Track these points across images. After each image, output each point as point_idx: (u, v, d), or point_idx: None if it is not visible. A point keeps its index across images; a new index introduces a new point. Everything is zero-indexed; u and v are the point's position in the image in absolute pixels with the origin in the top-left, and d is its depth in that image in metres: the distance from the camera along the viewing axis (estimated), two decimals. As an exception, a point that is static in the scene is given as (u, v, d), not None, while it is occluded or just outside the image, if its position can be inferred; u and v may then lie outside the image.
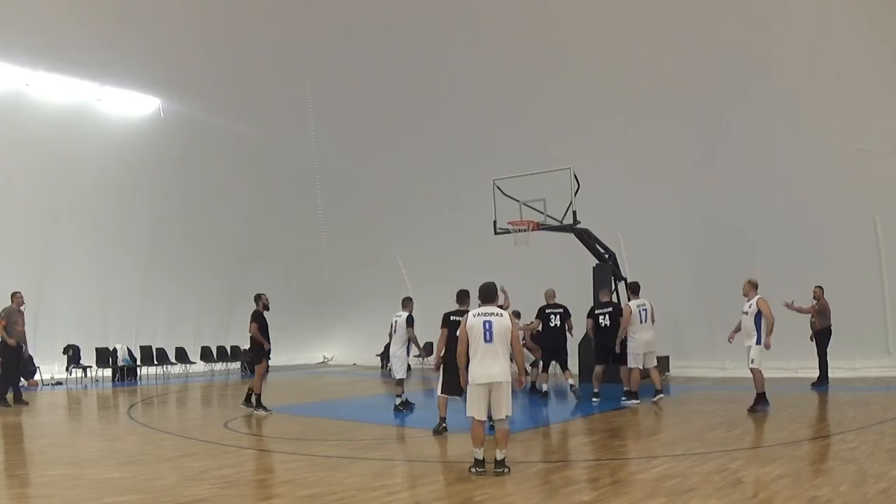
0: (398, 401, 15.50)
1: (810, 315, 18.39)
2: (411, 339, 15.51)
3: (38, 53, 21.91)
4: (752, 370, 14.46)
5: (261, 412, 15.75)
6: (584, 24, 22.25)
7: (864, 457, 9.42)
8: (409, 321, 15.42)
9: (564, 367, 18.09)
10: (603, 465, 9.87)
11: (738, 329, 15.09)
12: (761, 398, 14.21)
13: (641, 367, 16.12)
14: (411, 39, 24.74)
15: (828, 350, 18.27)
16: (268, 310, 16.63)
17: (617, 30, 21.76)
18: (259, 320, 16.33)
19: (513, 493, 8.19)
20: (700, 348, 22.36)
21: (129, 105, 25.17)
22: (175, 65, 24.49)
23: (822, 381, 18.07)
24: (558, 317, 18.07)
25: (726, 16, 20.18)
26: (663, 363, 22.29)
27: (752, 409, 14.10)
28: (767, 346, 14.34)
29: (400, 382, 15.62)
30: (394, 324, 15.69)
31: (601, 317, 17.33)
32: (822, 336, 18.27)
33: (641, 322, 16.14)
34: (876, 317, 19.75)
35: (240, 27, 24.86)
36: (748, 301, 14.77)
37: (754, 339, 14.46)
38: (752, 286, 14.93)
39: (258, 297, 16.57)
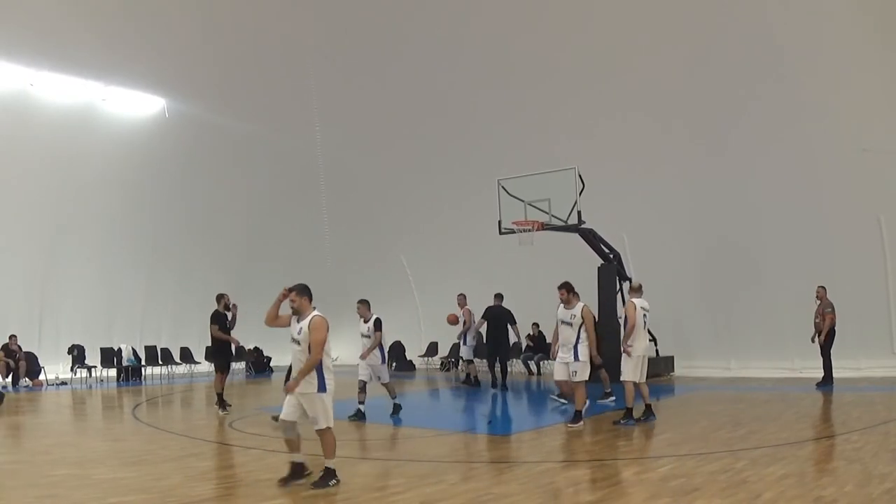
0: (397, 401, 15.25)
1: (815, 315, 18.34)
2: (375, 342, 14.69)
3: (43, 53, 21.92)
4: (637, 384, 13.54)
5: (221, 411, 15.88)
6: (589, 24, 22.23)
7: (869, 457, 9.41)
8: (378, 325, 14.62)
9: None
10: (608, 465, 9.87)
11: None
12: (648, 409, 13.45)
13: (638, 381, 13.69)
14: (416, 39, 24.72)
15: (832, 350, 18.22)
16: (229, 310, 16.46)
17: (623, 30, 21.73)
18: (219, 321, 16.25)
19: (518, 493, 8.19)
20: (705, 348, 22.38)
21: (134, 105, 25.19)
22: (180, 65, 24.50)
23: (826, 382, 18.04)
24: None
25: (731, 16, 20.16)
26: (668, 363, 22.32)
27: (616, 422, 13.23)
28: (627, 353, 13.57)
29: (364, 388, 14.85)
30: (369, 329, 14.63)
31: None
32: (826, 337, 18.22)
33: (643, 327, 14.44)
34: (881, 317, 19.73)
35: (245, 27, 24.85)
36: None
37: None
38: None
39: (219, 298, 16.56)
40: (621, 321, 14.47)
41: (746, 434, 11.63)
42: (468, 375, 20.66)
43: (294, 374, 8.74)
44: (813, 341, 18.34)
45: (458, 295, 21.28)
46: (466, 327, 20.83)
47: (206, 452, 10.99)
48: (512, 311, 19.75)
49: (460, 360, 22.94)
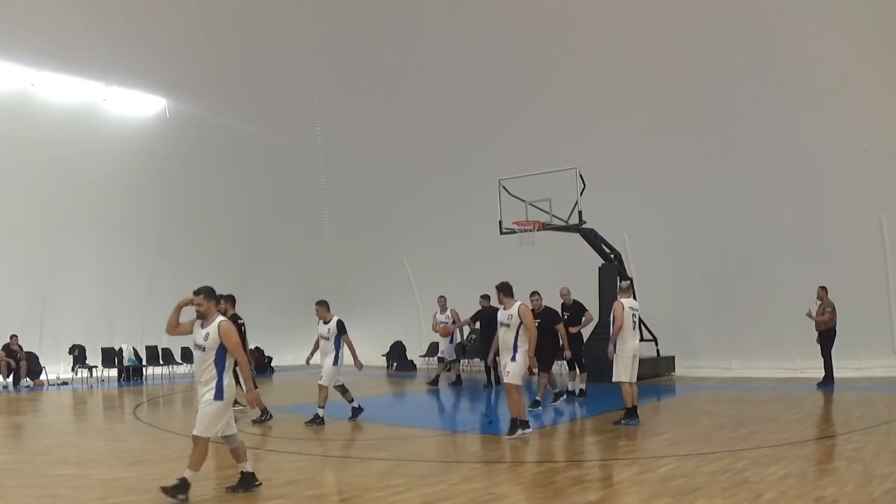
0: (356, 404, 14.58)
1: (816, 315, 18.32)
2: (348, 346, 14.24)
3: (44, 53, 21.93)
4: (619, 384, 13.43)
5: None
6: (591, 25, 22.25)
7: (870, 457, 9.41)
8: (342, 327, 14.19)
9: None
10: (609, 464, 9.87)
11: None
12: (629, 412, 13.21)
13: (631, 381, 13.49)
14: (417, 39, 24.74)
15: (832, 350, 18.20)
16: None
17: (624, 31, 21.75)
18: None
19: (519, 493, 8.19)
20: (706, 348, 22.38)
21: (135, 105, 25.20)
22: (181, 65, 24.50)
23: (827, 382, 18.03)
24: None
25: (732, 18, 20.16)
26: (669, 363, 22.31)
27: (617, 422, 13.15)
28: (609, 355, 13.43)
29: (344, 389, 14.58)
30: (329, 330, 14.20)
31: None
32: (826, 336, 18.21)
33: (633, 328, 13.99)
34: (882, 317, 19.72)
35: (246, 27, 24.86)
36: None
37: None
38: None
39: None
40: (509, 325, 13.51)
41: (747, 434, 11.63)
42: (442, 376, 21.02)
43: (200, 380, 8.46)
44: (818, 342, 18.31)
45: (439, 297, 21.44)
46: (455, 326, 21.18)
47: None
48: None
49: (438, 360, 22.87)
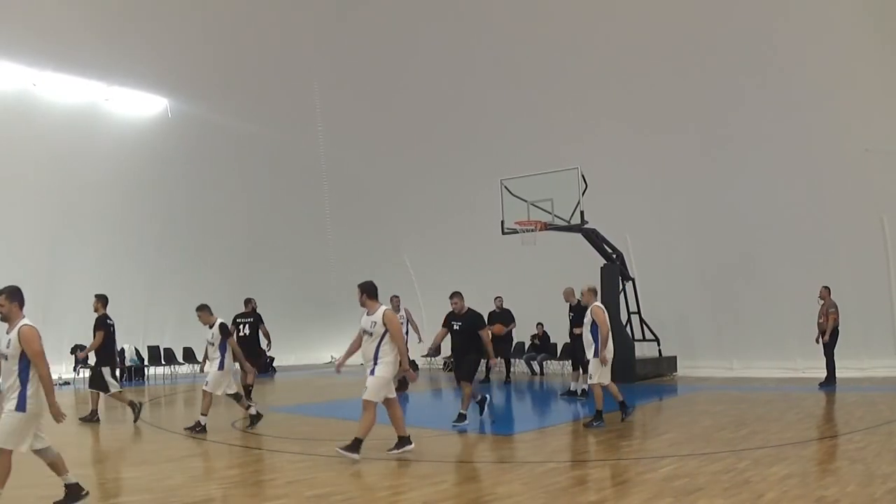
0: (254, 411, 13.82)
1: (818, 315, 18.31)
2: (233, 349, 13.86)
3: (46, 53, 21.94)
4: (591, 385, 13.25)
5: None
6: (592, 26, 22.25)
7: (872, 457, 9.40)
8: (225, 330, 13.83)
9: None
10: (610, 464, 9.87)
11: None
12: (599, 415, 12.95)
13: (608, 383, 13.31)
14: (419, 40, 24.77)
15: (835, 350, 18.19)
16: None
17: (625, 32, 21.75)
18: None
19: (520, 493, 8.19)
20: (708, 348, 22.37)
21: (137, 105, 25.22)
22: (182, 65, 24.52)
23: (829, 382, 18.03)
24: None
25: (733, 17, 20.16)
26: (671, 363, 22.32)
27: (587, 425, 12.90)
28: (604, 361, 13.16)
29: (238, 398, 13.96)
30: (213, 335, 13.83)
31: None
32: (829, 336, 18.19)
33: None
34: (884, 317, 19.71)
35: (247, 27, 24.88)
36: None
37: (592, 352, 13.17)
38: (592, 293, 13.77)
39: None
40: (585, 328, 13.46)
41: (749, 434, 11.62)
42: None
43: (4, 388, 7.64)
44: (818, 342, 18.30)
45: (393, 297, 19.58)
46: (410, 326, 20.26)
47: (209, 452, 11.00)
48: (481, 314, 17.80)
49: None
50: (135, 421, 14.36)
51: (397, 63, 25.56)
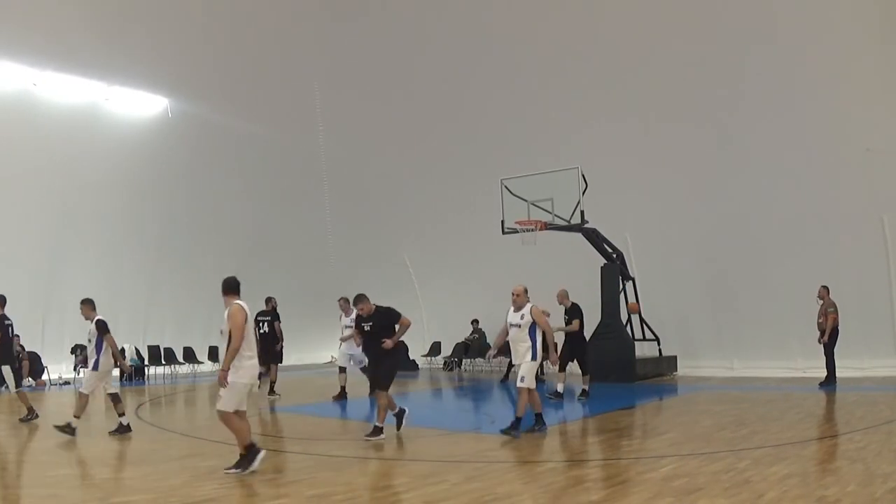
0: (125, 421, 13.06)
1: (817, 315, 18.30)
2: (112, 349, 13.42)
3: (46, 53, 21.95)
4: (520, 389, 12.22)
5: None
6: (592, 25, 22.25)
7: (872, 456, 9.40)
8: (102, 327, 13.43)
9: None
10: (611, 464, 9.87)
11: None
12: (539, 418, 12.38)
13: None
14: (419, 40, 24.76)
15: (835, 350, 18.17)
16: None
17: (625, 32, 21.74)
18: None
19: (521, 493, 8.19)
20: (708, 348, 22.38)
21: (137, 105, 25.23)
22: (183, 65, 24.52)
23: (829, 381, 18.02)
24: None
25: (735, 15, 20.16)
26: (671, 363, 22.33)
27: (529, 429, 12.19)
28: (554, 363, 13.03)
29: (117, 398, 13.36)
30: (91, 332, 13.45)
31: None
32: (829, 336, 18.18)
33: None
34: (884, 316, 19.71)
35: (248, 27, 24.88)
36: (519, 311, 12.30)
37: (529, 355, 12.16)
38: (524, 293, 12.40)
39: (269, 300, 19.11)
40: (516, 328, 12.23)
41: (749, 434, 11.62)
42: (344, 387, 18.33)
43: None
44: (820, 342, 18.27)
45: (340, 299, 18.60)
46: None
47: (209, 452, 10.99)
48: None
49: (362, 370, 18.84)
50: (21, 420, 14.24)
51: (397, 63, 25.55)
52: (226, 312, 9.77)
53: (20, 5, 20.86)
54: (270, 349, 18.87)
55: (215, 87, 25.40)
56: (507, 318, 12.43)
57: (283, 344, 19.64)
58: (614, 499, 7.88)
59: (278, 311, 19.48)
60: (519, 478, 9.03)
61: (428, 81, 25.43)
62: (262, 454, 9.35)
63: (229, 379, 9.23)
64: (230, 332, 9.45)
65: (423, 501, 7.86)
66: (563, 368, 16.89)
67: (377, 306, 12.52)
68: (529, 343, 12.09)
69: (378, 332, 12.21)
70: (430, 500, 7.91)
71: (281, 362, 19.61)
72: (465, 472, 9.22)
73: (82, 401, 12.86)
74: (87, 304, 13.60)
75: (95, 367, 13.10)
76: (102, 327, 13.27)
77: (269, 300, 19.58)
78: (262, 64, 25.75)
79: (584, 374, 17.54)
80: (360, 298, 12.49)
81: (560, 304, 17.40)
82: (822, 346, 18.19)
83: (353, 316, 16.92)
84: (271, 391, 18.78)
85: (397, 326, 12.53)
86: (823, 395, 16.77)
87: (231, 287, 10.48)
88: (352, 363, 17.95)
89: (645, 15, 21.31)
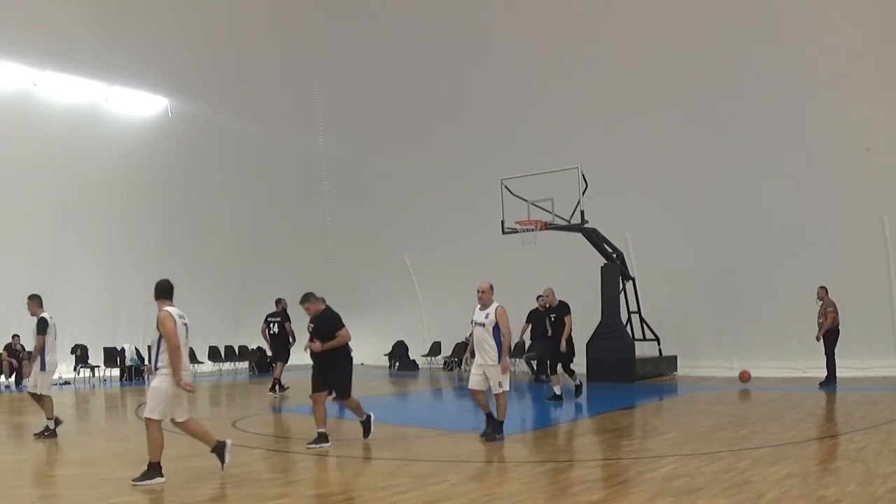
0: (52, 425, 12.56)
1: (818, 315, 18.29)
2: (37, 347, 12.88)
3: (46, 53, 21.96)
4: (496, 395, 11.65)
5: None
6: (592, 25, 22.25)
7: (872, 456, 9.39)
8: (39, 325, 12.96)
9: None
10: (611, 464, 9.86)
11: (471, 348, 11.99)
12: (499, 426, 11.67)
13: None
14: (420, 40, 24.75)
15: (835, 350, 18.16)
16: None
17: (625, 32, 21.75)
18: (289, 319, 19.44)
19: (521, 493, 8.18)
20: (708, 348, 22.39)
21: (137, 105, 25.25)
22: (183, 65, 24.53)
23: (829, 381, 18.02)
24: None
25: (735, 14, 20.16)
26: (671, 363, 22.33)
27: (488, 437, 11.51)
28: (504, 371, 11.92)
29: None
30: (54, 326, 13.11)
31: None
32: (829, 336, 18.18)
33: None
34: (884, 316, 19.72)
35: (248, 28, 24.88)
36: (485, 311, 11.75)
37: (494, 357, 11.53)
38: (490, 290, 11.97)
39: (279, 301, 19.55)
40: (481, 328, 11.64)
41: (749, 434, 11.62)
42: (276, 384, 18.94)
43: None
44: (818, 340, 18.27)
45: (278, 300, 19.33)
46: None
47: (209, 453, 10.99)
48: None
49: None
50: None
51: (398, 63, 25.55)
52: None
53: (20, 5, 20.87)
54: (282, 350, 19.45)
55: (215, 87, 25.40)
56: (472, 316, 11.92)
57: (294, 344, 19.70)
58: (614, 499, 7.87)
59: (288, 311, 19.69)
60: (519, 478, 9.03)
61: (428, 81, 25.43)
62: (227, 460, 9.24)
63: (154, 384, 8.97)
64: (160, 339, 9.21)
65: (424, 501, 7.86)
66: (553, 370, 16.75)
67: (327, 308, 11.91)
68: (494, 344, 11.51)
69: (316, 335, 11.50)
70: (430, 500, 7.91)
71: (286, 361, 19.75)
72: (465, 472, 9.22)
73: (47, 402, 12.48)
74: (34, 301, 13.17)
75: (43, 367, 12.71)
76: (39, 326, 12.78)
77: (279, 301, 19.88)
78: (261, 64, 25.76)
79: (558, 375, 16.76)
80: (307, 297, 11.87)
81: (547, 304, 17.12)
82: (822, 345, 18.18)
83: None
84: (272, 388, 19.10)
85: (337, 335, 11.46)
86: (823, 395, 16.77)
87: (164, 291, 9.91)
88: None
89: (645, 15, 21.31)
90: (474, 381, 11.68)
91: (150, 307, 26.02)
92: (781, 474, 8.56)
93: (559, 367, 16.70)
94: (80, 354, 23.71)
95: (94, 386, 22.85)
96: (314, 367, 11.65)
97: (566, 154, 21.07)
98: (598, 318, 21.25)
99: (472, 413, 13.43)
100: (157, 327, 9.27)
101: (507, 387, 11.61)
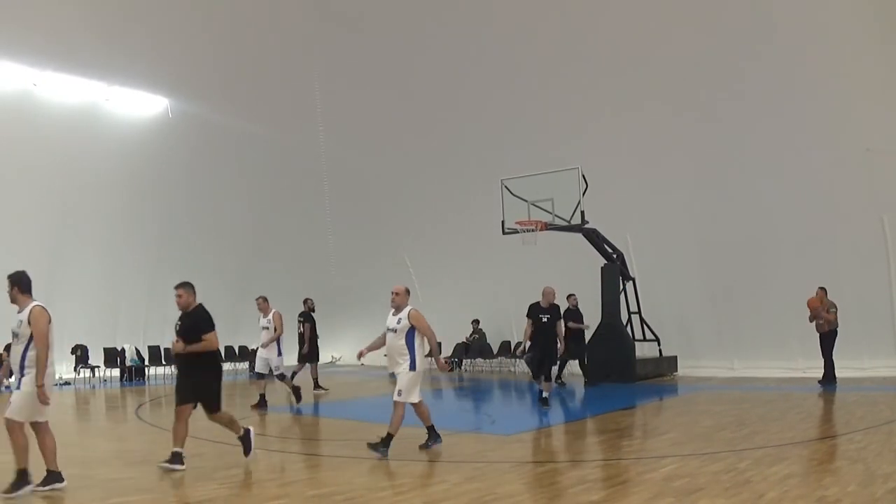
0: None
1: (810, 316, 18.28)
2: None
3: (46, 53, 21.96)
4: (412, 404, 10.94)
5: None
6: (592, 25, 22.25)
7: (873, 456, 9.40)
8: None
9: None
10: (611, 464, 9.87)
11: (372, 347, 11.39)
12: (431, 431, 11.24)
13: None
14: (420, 40, 24.76)
15: (833, 350, 18.13)
16: (313, 311, 19.89)
17: (625, 30, 21.75)
18: (312, 320, 19.84)
19: (522, 493, 8.19)
20: (708, 348, 22.36)
21: (137, 105, 25.22)
22: (183, 65, 24.53)
23: (829, 380, 18.00)
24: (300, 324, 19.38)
25: (736, 15, 20.16)
26: (671, 363, 22.33)
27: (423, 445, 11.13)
28: (442, 369, 11.74)
29: None
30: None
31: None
32: (828, 337, 18.17)
33: None
34: (884, 316, 19.70)
35: (248, 27, 24.89)
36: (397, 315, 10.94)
37: (406, 364, 10.72)
38: (405, 294, 11.12)
39: (305, 301, 19.99)
40: (393, 334, 10.85)
41: (750, 434, 11.62)
42: (263, 395, 16.95)
43: None
44: (811, 321, 18.12)
45: (258, 298, 17.50)
46: (278, 334, 16.94)
47: (209, 453, 10.99)
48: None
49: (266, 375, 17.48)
50: None
51: (398, 63, 25.56)
52: (25, 314, 8.39)
53: (20, 5, 20.87)
54: (310, 349, 19.75)
55: (215, 87, 25.39)
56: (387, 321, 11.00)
57: (308, 344, 19.88)
58: (615, 499, 7.87)
59: (313, 313, 20.10)
60: (519, 478, 9.03)
61: (428, 81, 25.42)
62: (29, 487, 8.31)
63: (24, 388, 8.29)
64: (30, 338, 8.31)
65: (423, 502, 7.86)
66: (536, 376, 16.01)
67: (199, 306, 10.41)
68: (407, 351, 10.66)
69: (182, 334, 9.98)
70: (430, 500, 7.91)
71: (314, 361, 20.08)
72: (465, 472, 9.22)
73: None
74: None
75: None
76: None
77: (304, 301, 20.17)
78: (262, 64, 25.76)
79: (548, 379, 16.13)
80: (183, 285, 10.55)
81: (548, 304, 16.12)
82: (822, 346, 18.17)
83: (271, 316, 16.88)
84: (316, 387, 19.66)
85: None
86: (824, 396, 16.76)
87: (28, 285, 8.64)
88: (270, 371, 16.98)
89: (645, 15, 21.30)
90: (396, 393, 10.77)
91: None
92: (782, 474, 8.56)
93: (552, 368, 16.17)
94: (80, 355, 23.69)
95: (94, 386, 22.85)
96: (179, 374, 10.48)
97: (566, 154, 21.06)
98: (598, 318, 21.25)
99: (472, 413, 13.45)
100: (28, 324, 8.27)
101: (414, 398, 10.71)
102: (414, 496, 8.09)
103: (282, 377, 17.01)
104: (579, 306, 20.66)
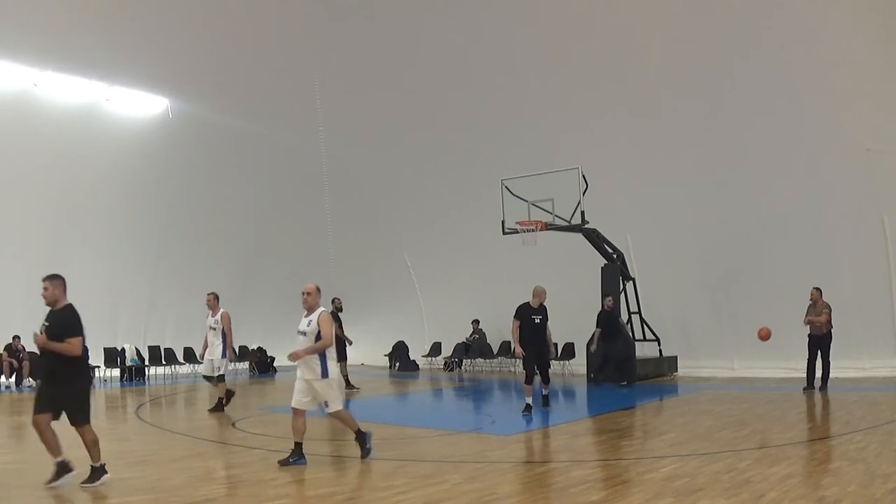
0: None
1: (806, 314, 18.17)
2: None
3: (47, 53, 21.93)
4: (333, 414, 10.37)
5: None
6: (592, 24, 22.24)
7: (873, 457, 9.40)
8: None
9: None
10: (611, 465, 9.87)
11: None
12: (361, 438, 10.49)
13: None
14: (420, 39, 24.76)
15: (830, 351, 17.89)
16: (341, 311, 20.20)
17: (625, 29, 21.74)
18: (338, 320, 19.31)
19: (522, 493, 8.19)
20: (709, 348, 22.35)
21: (138, 105, 25.17)
22: (183, 65, 24.50)
23: (824, 381, 17.75)
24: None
25: (736, 16, 20.15)
26: (671, 363, 22.33)
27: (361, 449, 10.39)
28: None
29: None
30: None
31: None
32: (824, 340, 18.00)
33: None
34: (884, 316, 19.70)
35: (248, 27, 24.87)
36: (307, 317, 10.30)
37: (318, 372, 10.04)
38: (316, 293, 10.49)
39: (333, 301, 20.17)
40: (303, 337, 10.15)
41: (750, 434, 11.63)
42: (221, 399, 16.46)
43: None
44: (806, 324, 18.01)
45: (209, 295, 17.00)
46: (229, 337, 16.61)
47: (210, 453, 11.00)
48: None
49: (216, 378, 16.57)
50: None
51: (398, 62, 25.55)
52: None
53: (20, 5, 20.85)
54: (339, 348, 18.95)
55: (215, 87, 25.37)
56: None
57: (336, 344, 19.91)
58: (615, 499, 7.88)
59: (340, 313, 20.21)
60: (519, 478, 9.04)
61: (428, 81, 25.39)
62: None
63: None
64: None
65: (424, 502, 7.86)
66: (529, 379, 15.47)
67: (69, 306, 9.81)
68: (318, 358, 9.98)
69: (49, 333, 9.21)
70: (430, 500, 7.91)
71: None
72: (465, 472, 9.22)
73: None
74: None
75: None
76: None
77: (333, 301, 20.37)
78: (262, 63, 25.74)
79: (545, 382, 15.86)
80: (50, 277, 10.03)
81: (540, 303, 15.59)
82: (822, 346, 18.07)
83: (219, 316, 16.40)
84: (347, 386, 19.99)
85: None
86: (823, 396, 16.75)
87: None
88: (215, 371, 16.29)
89: (646, 14, 21.30)
90: (297, 400, 10.10)
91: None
92: (782, 474, 8.57)
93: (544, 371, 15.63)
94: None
95: (94, 386, 22.83)
96: (42, 380, 9.71)
97: (566, 154, 21.05)
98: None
99: (472, 413, 13.45)
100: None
101: (338, 406, 10.24)
102: (414, 496, 8.09)
103: (221, 379, 16.23)
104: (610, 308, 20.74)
